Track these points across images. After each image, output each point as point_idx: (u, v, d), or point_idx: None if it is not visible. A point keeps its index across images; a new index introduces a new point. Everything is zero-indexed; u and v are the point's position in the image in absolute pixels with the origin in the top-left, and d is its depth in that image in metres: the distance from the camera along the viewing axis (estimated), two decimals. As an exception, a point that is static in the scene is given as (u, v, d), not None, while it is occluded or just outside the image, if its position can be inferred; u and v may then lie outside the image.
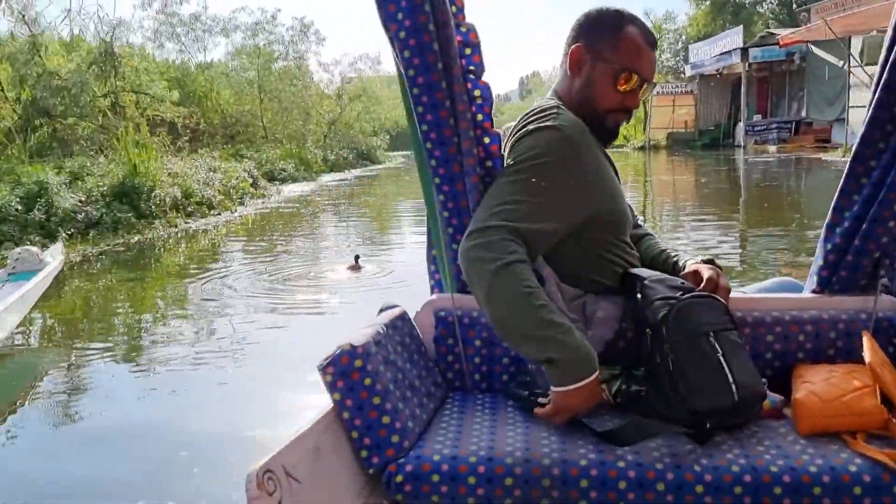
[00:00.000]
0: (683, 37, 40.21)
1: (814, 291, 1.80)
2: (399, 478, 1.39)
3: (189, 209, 11.54)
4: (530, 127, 1.59)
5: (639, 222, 1.92)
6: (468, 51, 1.67)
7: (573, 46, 1.65)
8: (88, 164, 11.15)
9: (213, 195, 12.52)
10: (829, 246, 1.75)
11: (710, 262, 1.68)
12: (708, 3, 39.29)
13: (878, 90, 1.63)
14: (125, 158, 11.10)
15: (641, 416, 1.44)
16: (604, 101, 1.64)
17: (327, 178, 21.88)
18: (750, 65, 26.78)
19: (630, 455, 1.36)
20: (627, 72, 1.62)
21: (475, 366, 1.77)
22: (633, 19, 1.65)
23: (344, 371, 1.42)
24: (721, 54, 28.47)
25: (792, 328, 1.69)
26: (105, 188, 10.22)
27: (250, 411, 3.47)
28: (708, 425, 1.40)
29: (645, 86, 1.66)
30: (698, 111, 31.99)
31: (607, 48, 1.63)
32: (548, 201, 1.51)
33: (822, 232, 1.77)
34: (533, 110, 1.64)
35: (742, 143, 26.77)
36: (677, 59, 40.26)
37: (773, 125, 25.98)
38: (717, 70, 30.19)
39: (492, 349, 1.75)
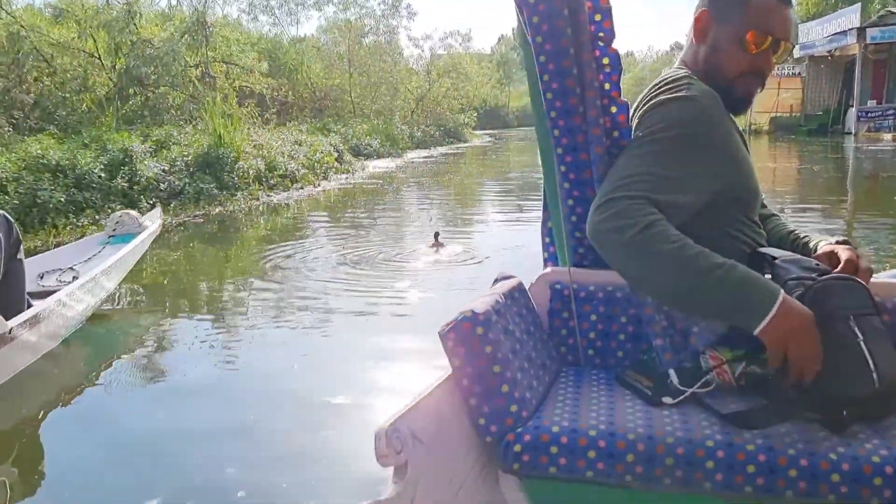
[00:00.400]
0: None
1: None
2: (517, 447, 1.37)
3: (272, 182, 11.30)
4: (661, 98, 1.52)
5: (763, 202, 1.77)
6: (598, 17, 1.61)
7: (698, 12, 1.58)
8: (175, 134, 10.95)
9: (296, 169, 12.27)
10: None
11: (845, 242, 1.56)
12: None
13: None
14: (211, 129, 10.84)
15: (767, 401, 1.38)
16: (732, 65, 1.55)
17: (413, 155, 21.56)
18: (866, 46, 24.83)
19: (759, 439, 1.30)
20: (756, 31, 1.52)
21: (590, 341, 1.74)
22: None
23: (465, 338, 1.40)
24: (834, 34, 26.61)
25: None
26: (189, 158, 10.05)
27: (327, 377, 3.59)
28: (844, 413, 1.31)
29: (782, 46, 1.55)
30: (805, 95, 30.26)
31: (733, 9, 1.54)
32: (679, 174, 1.43)
33: None
34: (662, 81, 1.57)
35: (853, 130, 25.09)
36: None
37: (890, 111, 24.38)
38: (829, 51, 28.26)
39: (608, 325, 1.71)
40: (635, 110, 1.62)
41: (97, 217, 7.79)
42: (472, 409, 1.41)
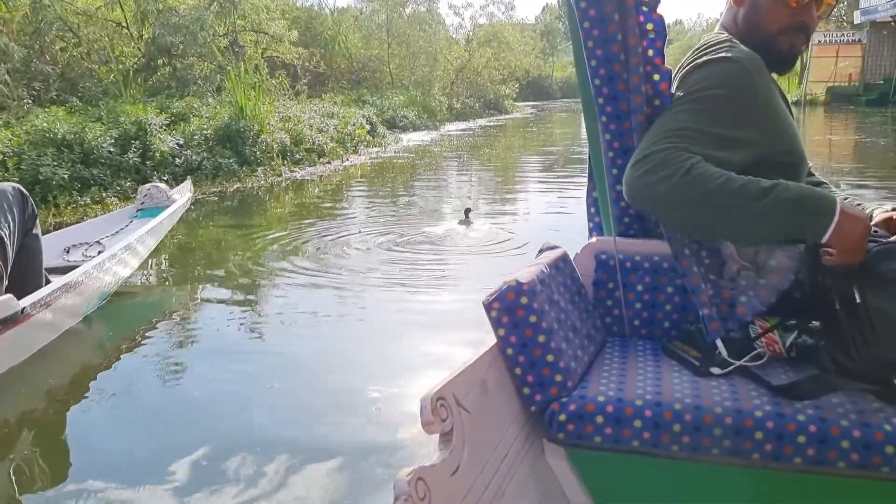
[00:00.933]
0: None
1: None
2: (562, 416, 1.37)
3: (297, 156, 10.68)
4: (702, 59, 1.49)
5: (811, 168, 1.69)
6: None
7: None
8: (197, 106, 10.36)
9: (324, 142, 11.65)
10: None
11: None
12: None
13: None
14: (234, 100, 10.25)
15: (818, 371, 1.36)
16: (773, 21, 1.53)
17: (451, 128, 20.78)
18: None
19: (810, 409, 1.28)
20: None
21: (635, 311, 1.71)
22: None
23: (510, 307, 1.39)
24: None
25: None
26: (209, 131, 9.43)
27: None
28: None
29: (824, 1, 1.52)
30: (866, 63, 28.50)
31: None
32: (719, 132, 1.38)
33: None
34: (704, 44, 1.55)
35: None
36: (841, 5, 36.14)
37: (958, 81, 22.45)
38: (893, 17, 26.52)
39: (654, 295, 1.69)
40: (677, 73, 1.57)
41: (104, 195, 7.21)
42: (517, 379, 1.41)
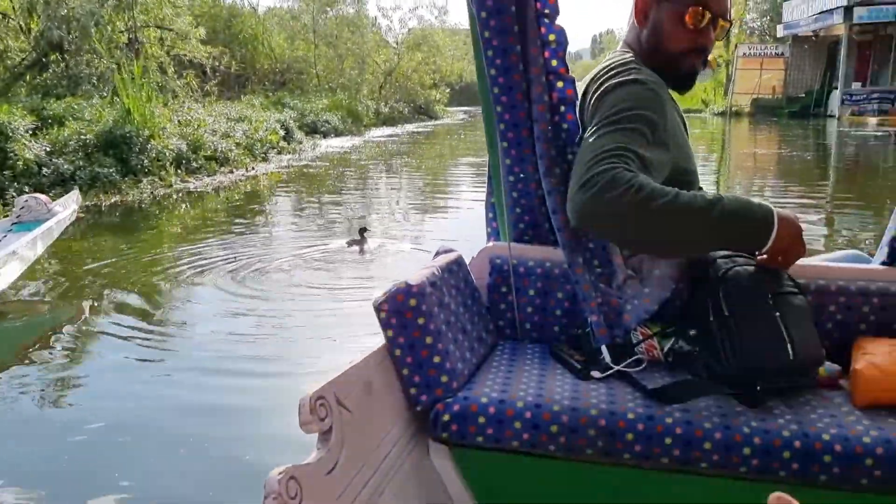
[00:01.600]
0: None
1: (883, 263, 1.69)
2: (446, 417, 1.40)
3: (195, 165, 9.62)
4: (613, 82, 1.50)
5: (701, 186, 1.71)
6: None
7: None
8: (77, 107, 9.20)
9: (228, 149, 10.60)
10: None
11: None
12: None
13: None
14: (121, 102, 9.15)
15: (692, 376, 1.45)
16: (673, 42, 1.56)
17: (377, 133, 19.98)
18: (852, 26, 23.47)
19: (679, 412, 1.34)
20: (694, 7, 1.52)
21: (527, 315, 1.74)
22: None
23: (398, 309, 1.41)
24: (820, 13, 25.35)
25: (856, 299, 1.62)
26: (89, 137, 8.31)
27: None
28: (759, 388, 1.37)
29: (720, 24, 1.56)
30: (788, 76, 28.98)
31: None
32: (647, 152, 1.39)
33: None
34: (610, 66, 1.55)
35: (836, 114, 23.85)
36: (764, 19, 36.89)
37: (875, 95, 23.24)
38: (814, 31, 26.99)
39: (545, 300, 1.71)
40: (585, 93, 1.58)
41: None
42: (404, 379, 1.43)
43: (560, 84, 1.61)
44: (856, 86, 24.44)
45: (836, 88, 25.26)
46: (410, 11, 30.65)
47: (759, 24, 36.39)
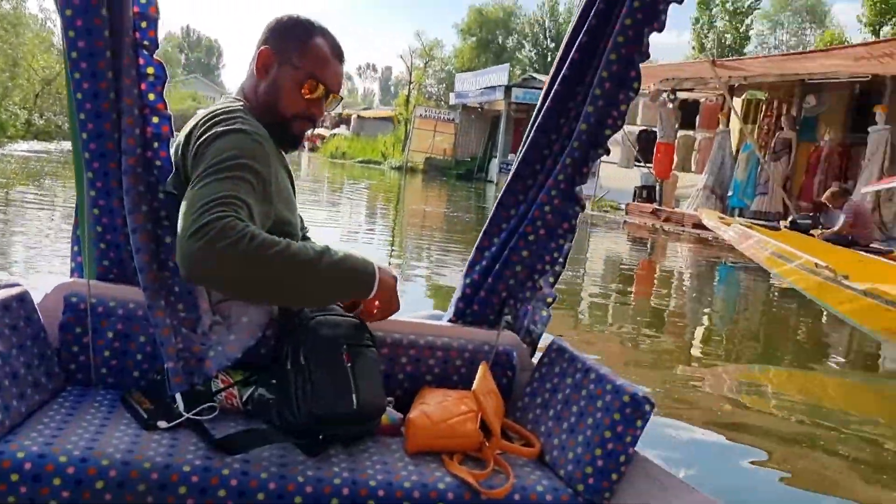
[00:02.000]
0: (449, 67, 40.36)
1: (450, 321, 1.89)
2: None
3: None
4: (219, 129, 1.51)
5: (306, 233, 1.90)
6: (144, 24, 1.56)
7: (262, 48, 1.64)
8: None
9: None
10: (467, 280, 1.87)
11: None
12: (474, 39, 40.57)
13: (526, 145, 1.81)
14: None
15: (268, 424, 1.45)
16: (289, 106, 1.65)
17: (19, 148, 17.42)
18: (511, 103, 26.71)
19: (238, 463, 1.34)
20: (313, 79, 1.63)
21: (104, 359, 1.63)
22: (323, 31, 1.68)
23: None
24: (486, 88, 28.62)
25: (425, 352, 1.77)
26: None
27: None
28: (322, 436, 1.42)
29: (331, 97, 1.69)
30: (458, 141, 31.65)
31: (295, 54, 1.63)
32: (253, 201, 1.42)
33: (465, 266, 1.90)
34: (216, 112, 1.57)
35: (495, 180, 26.65)
36: (441, 86, 40.30)
37: (524, 166, 25.92)
38: (480, 103, 30.08)
39: (125, 343, 1.62)
40: (188, 137, 1.56)
41: None
42: None
43: (155, 119, 1.58)
44: (511, 156, 27.66)
45: (496, 157, 28.33)
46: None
47: (436, 89, 39.57)
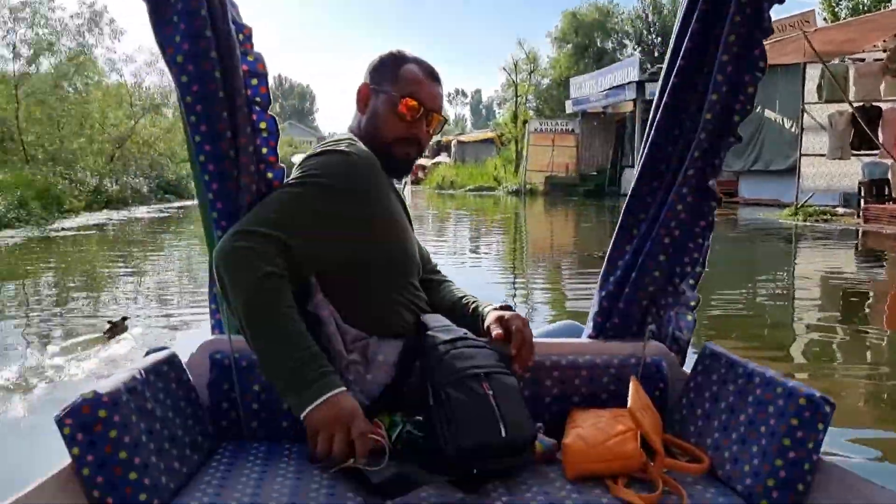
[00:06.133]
0: (546, 79, 36.57)
1: (590, 336, 1.92)
2: None
3: None
4: (319, 149, 1.70)
5: (435, 268, 2.04)
6: (255, 81, 1.69)
7: (360, 86, 1.83)
8: None
9: None
10: (603, 293, 1.89)
11: (506, 307, 1.77)
12: (570, 46, 38.30)
13: (647, 146, 1.80)
14: None
15: (419, 464, 1.49)
16: (388, 130, 1.76)
17: (78, 221, 15.33)
18: (643, 101, 23.48)
19: None
20: (408, 99, 1.74)
21: (253, 412, 1.72)
22: (415, 59, 1.83)
23: (85, 423, 1.31)
24: (611, 89, 26.87)
25: (569, 372, 1.79)
26: None
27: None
28: (476, 471, 1.45)
29: (433, 117, 1.79)
30: (580, 153, 29.03)
31: (387, 81, 1.78)
32: (323, 222, 1.57)
33: (599, 280, 1.91)
34: (327, 140, 1.78)
35: None
36: (539, 101, 36.38)
37: (668, 173, 21.90)
38: (604, 107, 27.65)
39: (271, 394, 1.70)
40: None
41: None
42: (95, 503, 1.33)
43: (270, 175, 1.71)
44: None
45: (628, 167, 25.64)
46: (148, 65, 24.97)
47: (534, 104, 35.53)
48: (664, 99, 1.74)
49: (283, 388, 1.44)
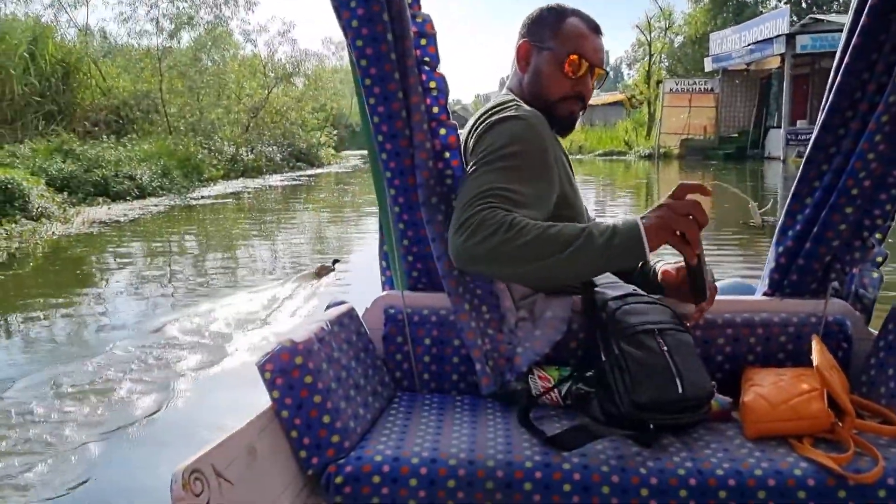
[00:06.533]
0: (681, 37, 34.35)
1: (765, 294, 1.87)
2: (339, 479, 1.42)
3: None
4: (492, 119, 1.66)
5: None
6: (423, 41, 1.71)
7: (520, 43, 1.79)
8: None
9: None
10: (780, 249, 1.82)
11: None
12: (707, 0, 36.05)
13: (831, 93, 1.71)
14: None
15: (590, 418, 1.54)
16: (553, 89, 1.74)
17: (215, 190, 15.90)
18: (793, 56, 22.01)
19: (576, 458, 1.42)
20: (572, 56, 1.71)
21: (424, 365, 1.80)
22: (575, 11, 1.78)
23: (284, 368, 1.42)
24: (756, 43, 24.63)
25: (743, 331, 1.76)
26: None
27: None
28: (651, 425, 1.46)
29: (596, 72, 1.77)
30: (720, 114, 27.30)
31: (550, 38, 1.75)
32: (521, 189, 1.51)
33: (775, 235, 1.86)
34: (491, 106, 1.74)
35: (780, 155, 22.18)
36: (671, 61, 34.20)
37: (823, 133, 20.25)
38: (748, 64, 25.32)
39: (442, 348, 1.79)
40: (469, 134, 1.74)
41: None
42: (293, 442, 1.44)
43: (443, 131, 1.70)
44: (801, 124, 21.43)
45: (774, 127, 23.94)
46: (281, 35, 25.42)
47: (667, 63, 33.52)
48: (852, 39, 1.63)
49: (611, 264, 1.37)
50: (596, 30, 1.75)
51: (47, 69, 17.09)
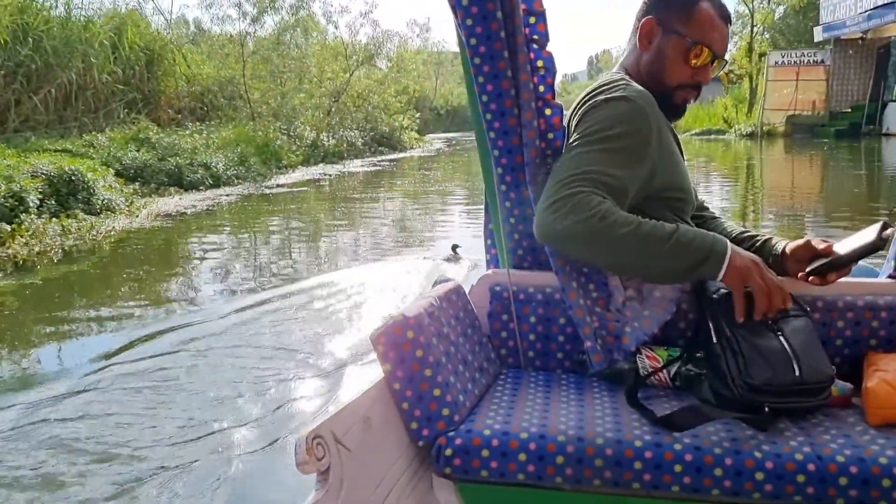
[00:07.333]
0: (782, 7, 31.88)
1: (891, 276, 1.82)
2: (448, 451, 1.47)
3: None
4: (599, 98, 1.66)
5: (703, 203, 2.03)
6: (532, 19, 1.72)
7: (644, 19, 1.75)
8: None
9: None
10: None
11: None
12: None
13: None
14: None
15: (700, 400, 1.55)
16: (674, 75, 1.72)
17: (292, 178, 15.29)
18: None
19: (687, 438, 1.43)
20: (699, 45, 1.69)
21: (530, 343, 1.83)
22: None
23: (396, 342, 1.48)
24: (875, 8, 23.09)
25: (865, 314, 1.70)
26: None
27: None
28: (767, 408, 1.44)
29: (716, 62, 1.75)
30: (831, 88, 25.45)
31: (679, 21, 1.70)
32: (623, 171, 1.54)
33: None
34: (600, 84, 1.73)
35: None
36: (774, 31, 31.82)
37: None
38: (864, 31, 23.73)
39: (547, 326, 1.81)
40: (573, 112, 1.75)
41: None
42: (404, 414, 1.50)
43: (548, 111, 1.74)
44: None
45: (893, 101, 22.15)
46: (362, 16, 25.03)
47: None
48: None
49: (688, 274, 1.46)
50: (726, 18, 1.72)
51: (131, 57, 17.33)
